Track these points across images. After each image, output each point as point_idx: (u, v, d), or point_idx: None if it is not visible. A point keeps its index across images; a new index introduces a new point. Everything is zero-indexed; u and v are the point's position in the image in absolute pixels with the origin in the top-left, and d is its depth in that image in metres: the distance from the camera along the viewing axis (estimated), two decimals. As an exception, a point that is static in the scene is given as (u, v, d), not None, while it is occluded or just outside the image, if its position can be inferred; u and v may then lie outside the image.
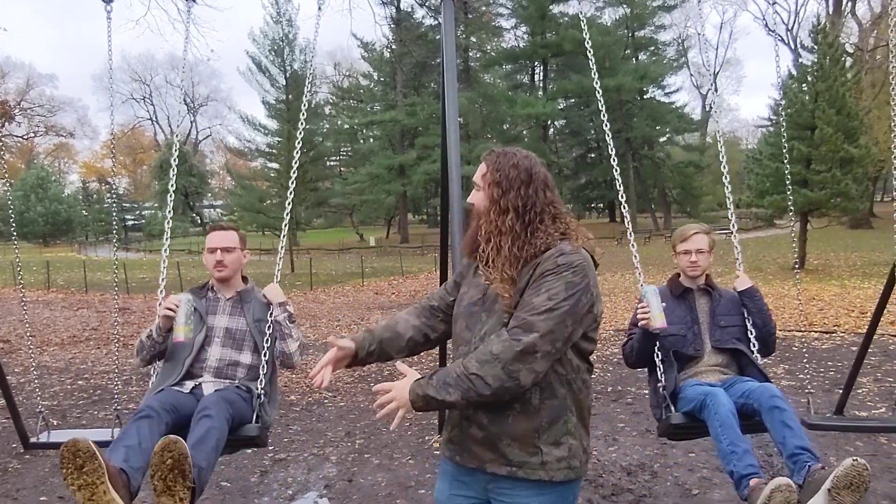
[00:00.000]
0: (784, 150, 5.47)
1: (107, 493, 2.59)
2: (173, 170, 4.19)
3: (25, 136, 79.13)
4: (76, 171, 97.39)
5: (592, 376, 2.45)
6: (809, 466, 3.20)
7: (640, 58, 59.84)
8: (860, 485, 2.80)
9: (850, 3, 48.38)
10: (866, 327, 4.92)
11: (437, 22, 47.89)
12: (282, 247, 4.07)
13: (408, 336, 2.68)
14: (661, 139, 60.24)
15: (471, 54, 58.05)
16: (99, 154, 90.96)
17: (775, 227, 44.07)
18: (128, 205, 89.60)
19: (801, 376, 8.50)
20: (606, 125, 4.20)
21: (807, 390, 4.86)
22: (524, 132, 58.00)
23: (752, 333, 4.00)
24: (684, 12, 61.96)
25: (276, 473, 5.86)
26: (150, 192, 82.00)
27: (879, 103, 34.41)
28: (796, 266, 5.39)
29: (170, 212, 4.15)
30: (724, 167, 4.37)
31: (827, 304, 15.30)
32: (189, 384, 3.60)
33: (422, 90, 56.49)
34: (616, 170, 4.13)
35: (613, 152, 4.08)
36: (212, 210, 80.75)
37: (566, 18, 54.88)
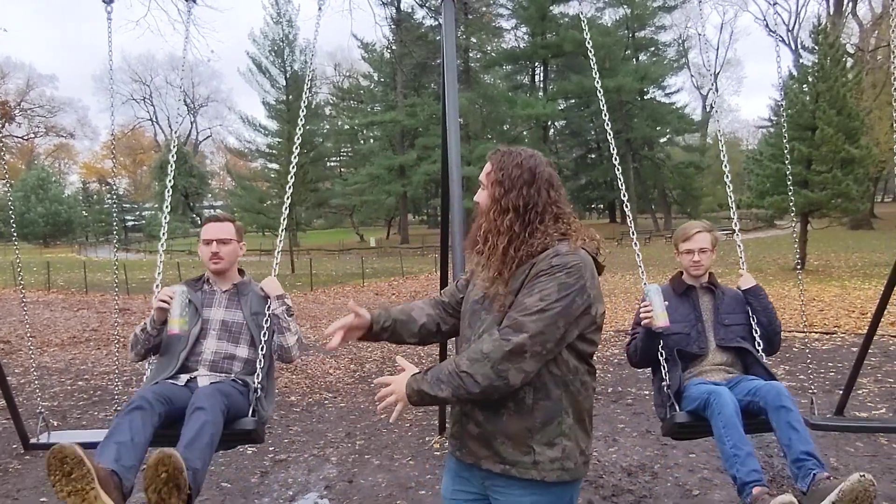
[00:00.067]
0: (785, 151, 5.47)
1: (98, 499, 2.54)
2: (171, 165, 4.19)
3: (26, 137, 79.15)
4: (76, 171, 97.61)
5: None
6: (815, 475, 3.19)
7: (640, 58, 59.83)
8: (865, 500, 2.78)
9: (850, 4, 48.38)
10: (867, 328, 4.92)
11: (437, 22, 47.88)
12: (280, 240, 4.03)
13: (421, 322, 2.70)
14: (662, 140, 60.23)
15: (471, 55, 58.07)
16: (99, 155, 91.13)
17: (775, 228, 44.06)
18: (128, 205, 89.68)
19: (802, 377, 8.49)
20: (608, 125, 4.20)
21: (810, 391, 4.85)
22: (524, 133, 57.98)
23: (756, 332, 3.99)
24: (685, 13, 62.11)
25: (277, 474, 5.86)
26: (151, 192, 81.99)
27: (880, 104, 34.43)
28: (798, 267, 5.37)
29: (167, 207, 4.12)
30: (726, 167, 4.37)
31: (827, 304, 15.30)
32: (184, 377, 3.55)
33: (422, 91, 56.51)
34: (618, 169, 4.13)
35: (615, 153, 4.08)
36: (212, 211, 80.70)
37: (566, 19, 54.90)
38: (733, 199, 4.43)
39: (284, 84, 42.53)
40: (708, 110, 68.47)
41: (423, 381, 2.24)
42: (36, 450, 5.13)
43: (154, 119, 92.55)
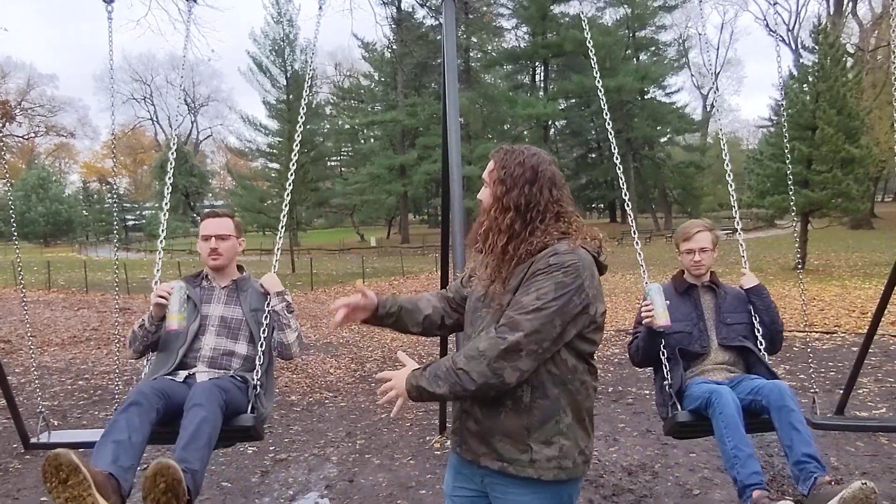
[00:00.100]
0: (785, 151, 5.47)
1: None
2: (171, 163, 4.19)
3: (26, 137, 79.11)
4: (77, 171, 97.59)
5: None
6: (816, 478, 3.19)
7: (640, 58, 59.79)
8: None
9: (850, 4, 48.35)
10: (867, 328, 4.92)
11: (437, 22, 47.91)
12: (279, 239, 4.03)
13: (426, 313, 2.73)
14: (662, 139, 60.18)
15: (472, 54, 58.03)
16: (99, 154, 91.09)
17: (776, 228, 44.02)
18: (128, 205, 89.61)
19: (802, 377, 8.49)
20: (609, 125, 4.19)
21: (812, 390, 4.85)
22: (525, 132, 57.96)
23: (759, 331, 3.98)
24: (685, 12, 62.14)
25: (277, 474, 5.86)
26: (151, 192, 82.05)
27: (880, 103, 34.41)
28: (798, 266, 5.37)
29: (166, 204, 4.12)
30: (728, 166, 4.36)
31: (828, 304, 15.29)
32: (182, 374, 3.52)
33: (422, 90, 56.48)
34: (619, 169, 4.13)
35: (616, 152, 4.08)
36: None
37: (567, 19, 54.87)
38: (735, 196, 4.43)
39: (285, 83, 42.53)
40: (708, 110, 68.51)
41: (422, 377, 2.26)
42: (36, 449, 5.13)
43: (154, 118, 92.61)
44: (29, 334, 5.04)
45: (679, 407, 3.76)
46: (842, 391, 5.16)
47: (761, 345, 3.97)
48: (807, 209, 22.87)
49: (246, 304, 3.76)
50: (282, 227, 4.04)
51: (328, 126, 58.45)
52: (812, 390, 4.85)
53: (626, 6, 57.20)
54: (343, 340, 13.64)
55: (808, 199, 22.12)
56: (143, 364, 3.80)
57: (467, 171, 39.95)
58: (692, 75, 72.48)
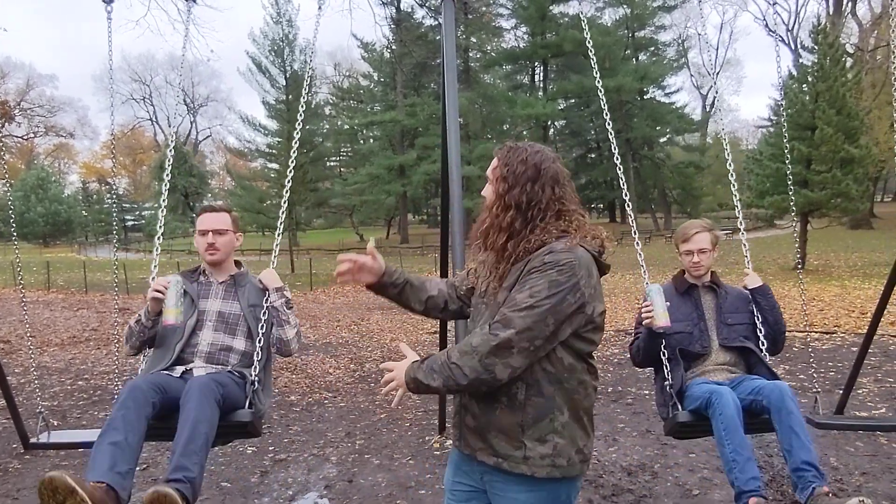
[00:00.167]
0: (785, 151, 5.47)
1: None
2: (169, 160, 4.19)
3: (25, 137, 79.08)
4: (76, 171, 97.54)
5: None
6: (814, 488, 3.23)
7: (640, 58, 59.78)
8: None
9: (850, 4, 48.35)
10: (867, 328, 4.92)
11: (437, 22, 47.86)
12: (277, 238, 4.02)
13: (431, 293, 2.78)
14: (662, 139, 60.16)
15: (471, 55, 57.98)
16: (99, 154, 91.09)
17: (775, 228, 44.07)
18: (128, 205, 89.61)
19: (802, 377, 8.50)
20: (609, 125, 4.19)
21: (814, 390, 4.85)
22: (524, 133, 57.89)
23: (761, 332, 3.98)
24: (684, 12, 62.08)
25: (277, 474, 5.86)
26: (150, 192, 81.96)
27: (880, 103, 34.41)
28: (798, 266, 5.37)
29: (164, 201, 4.12)
30: (730, 166, 4.37)
31: (827, 304, 15.30)
32: (179, 369, 3.51)
33: (422, 90, 56.42)
34: (619, 169, 4.13)
35: (616, 152, 4.08)
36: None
37: (566, 19, 54.81)
38: (738, 196, 4.43)
39: (284, 84, 42.51)
40: (708, 110, 68.57)
41: (419, 369, 2.28)
42: (36, 449, 5.14)
43: (154, 119, 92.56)
44: (28, 334, 5.04)
45: (679, 407, 3.76)
46: (841, 391, 5.17)
47: (763, 345, 3.97)
48: (806, 209, 22.89)
49: (244, 300, 3.74)
50: (280, 227, 4.03)
51: (327, 126, 58.35)
52: (814, 390, 4.86)
53: (625, 6, 57.19)
54: (342, 341, 13.65)
55: (808, 200, 22.14)
56: (141, 361, 3.77)
57: (467, 172, 39.92)
58: (691, 75, 72.56)
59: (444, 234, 6.05)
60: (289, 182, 4.02)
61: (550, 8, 54.57)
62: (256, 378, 3.51)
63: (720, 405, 3.49)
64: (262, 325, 3.61)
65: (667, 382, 3.84)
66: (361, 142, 67.28)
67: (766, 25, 55.17)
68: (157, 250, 4.01)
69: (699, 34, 65.53)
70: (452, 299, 2.79)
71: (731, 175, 4.39)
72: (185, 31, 4.39)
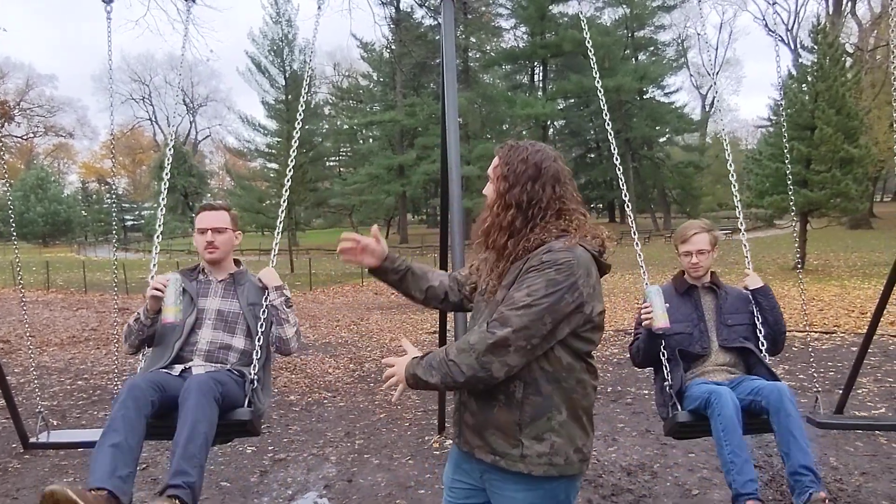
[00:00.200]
0: (784, 151, 5.47)
1: None
2: (168, 158, 4.19)
3: (25, 137, 79.15)
4: (75, 171, 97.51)
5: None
6: (811, 494, 3.27)
7: (639, 58, 59.81)
8: None
9: (849, 3, 48.36)
10: (866, 328, 4.92)
11: (436, 22, 47.87)
12: (277, 237, 4.02)
13: (432, 283, 2.83)
14: (661, 139, 60.20)
15: (470, 54, 57.98)
16: (98, 154, 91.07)
17: (775, 228, 44.07)
18: (127, 205, 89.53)
19: (802, 377, 8.50)
20: (608, 125, 4.19)
21: (814, 389, 4.86)
22: (524, 132, 57.87)
23: (761, 332, 3.98)
24: (684, 12, 62.10)
25: (276, 473, 5.86)
26: (150, 192, 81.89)
27: (879, 103, 34.43)
28: (798, 266, 5.37)
29: (163, 199, 4.12)
30: (731, 166, 4.37)
31: (827, 304, 15.31)
32: (178, 368, 3.50)
33: (421, 90, 56.41)
34: (619, 169, 4.13)
35: (615, 152, 4.08)
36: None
37: (566, 19, 54.84)
38: (738, 197, 4.43)
39: (283, 84, 42.57)
40: (707, 110, 68.57)
41: (419, 366, 2.30)
42: (35, 449, 5.13)
43: (153, 119, 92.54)
44: (28, 334, 5.03)
45: (679, 407, 3.77)
46: (841, 391, 5.17)
47: (762, 345, 3.97)
48: (806, 209, 22.89)
49: (243, 298, 3.74)
50: (279, 227, 4.03)
51: (327, 126, 58.37)
52: (815, 389, 4.86)
53: (624, 6, 57.21)
54: (342, 340, 13.65)
55: (807, 199, 22.14)
56: (140, 359, 3.77)
57: (466, 171, 39.91)
58: (691, 75, 72.60)
59: (444, 233, 6.05)
60: (288, 182, 4.01)
61: (550, 8, 54.59)
62: (256, 377, 3.51)
63: (719, 405, 3.50)
64: (262, 324, 3.60)
65: (666, 383, 3.85)
66: (361, 142, 67.26)
67: (766, 25, 55.19)
68: (156, 249, 4.01)
69: (699, 34, 65.59)
70: (453, 291, 2.82)
71: (732, 176, 4.39)
72: (185, 30, 4.40)
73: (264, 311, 3.64)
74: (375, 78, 64.43)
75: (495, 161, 2.47)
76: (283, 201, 4.01)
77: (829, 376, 8.53)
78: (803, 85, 23.85)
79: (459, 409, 2.46)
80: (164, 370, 3.46)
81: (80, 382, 9.76)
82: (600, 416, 7.11)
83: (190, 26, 4.47)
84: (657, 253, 31.54)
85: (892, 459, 5.55)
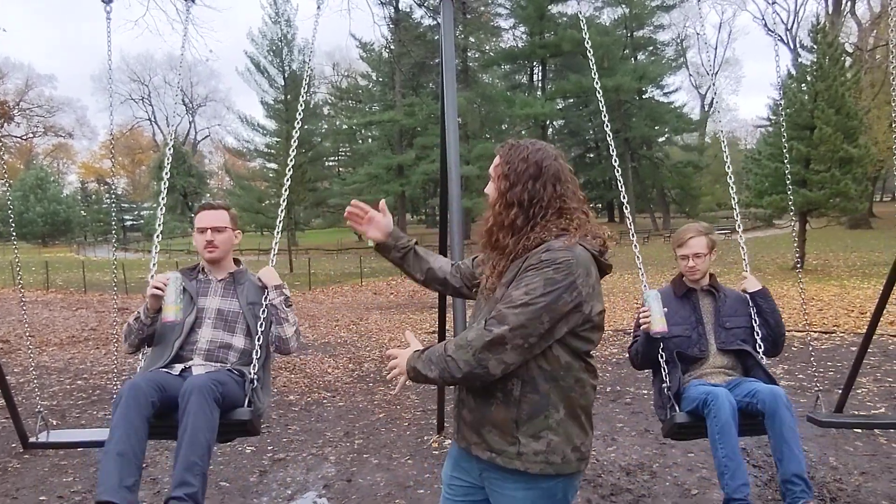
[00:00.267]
0: (783, 150, 5.47)
1: None
2: (168, 158, 4.19)
3: (24, 137, 79.19)
4: (75, 171, 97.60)
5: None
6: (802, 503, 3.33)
7: (638, 58, 59.78)
8: None
9: (849, 3, 48.38)
10: (866, 327, 4.92)
11: (435, 22, 47.81)
12: (276, 237, 4.02)
13: (433, 266, 2.93)
14: (660, 139, 60.20)
15: (469, 54, 57.89)
16: (98, 154, 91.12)
17: (774, 228, 44.13)
18: (126, 205, 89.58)
19: (801, 376, 8.51)
20: (607, 125, 4.19)
21: (815, 388, 4.86)
22: (523, 132, 57.86)
23: (758, 335, 4.01)
24: (683, 12, 62.07)
25: (275, 473, 5.86)
26: (149, 192, 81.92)
27: (879, 103, 34.46)
28: (797, 266, 5.37)
29: (163, 199, 4.11)
30: (729, 168, 4.36)
31: (826, 304, 15.31)
32: (178, 367, 3.51)
33: (420, 90, 56.35)
34: (618, 171, 4.13)
35: (614, 152, 4.08)
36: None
37: (565, 18, 54.80)
38: (736, 200, 4.43)
39: (283, 84, 42.63)
40: (706, 110, 68.57)
41: (419, 359, 2.31)
42: (35, 449, 5.13)
43: (153, 119, 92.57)
44: (27, 334, 5.03)
45: (677, 409, 3.80)
46: (841, 391, 5.17)
47: (760, 348, 3.99)
48: (805, 209, 22.91)
49: (243, 297, 3.74)
50: (279, 227, 4.03)
51: (326, 126, 58.36)
52: (816, 389, 4.87)
53: (623, 6, 57.17)
54: (341, 340, 13.65)
55: (807, 199, 22.15)
56: (140, 359, 3.77)
57: (465, 171, 39.88)
58: (690, 75, 72.62)
59: (443, 233, 6.04)
60: (288, 182, 4.01)
61: (549, 8, 54.54)
62: (255, 376, 3.51)
63: (716, 407, 3.54)
64: (261, 323, 3.60)
65: (665, 385, 3.87)
66: (360, 141, 67.21)
67: (765, 25, 55.33)
68: (155, 249, 4.01)
69: (698, 34, 65.54)
70: (454, 277, 2.89)
71: (730, 178, 4.39)
72: (184, 31, 4.39)
73: (264, 310, 3.64)
74: (374, 78, 64.37)
75: (496, 160, 2.48)
76: (283, 201, 4.01)
77: (829, 376, 8.53)
78: (803, 84, 23.85)
79: (458, 406, 2.47)
80: (163, 369, 3.46)
81: (79, 382, 9.76)
82: (599, 416, 7.12)
83: (189, 26, 4.47)
84: (656, 253, 31.57)
85: (892, 459, 5.55)
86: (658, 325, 3.66)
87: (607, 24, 57.91)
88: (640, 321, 3.81)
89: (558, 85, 57.29)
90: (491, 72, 60.28)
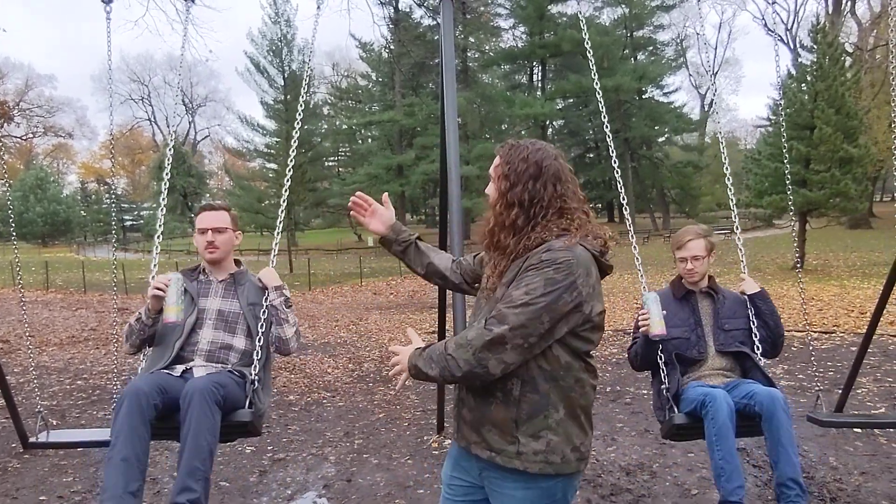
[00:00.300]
0: (783, 150, 5.47)
1: None
2: (168, 158, 4.19)
3: (24, 137, 79.24)
4: (75, 171, 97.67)
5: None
6: None
7: (638, 58, 59.85)
8: None
9: (849, 3, 48.42)
10: (866, 327, 4.92)
11: (435, 22, 47.83)
12: (276, 238, 4.01)
13: (433, 261, 2.97)
14: (660, 139, 60.27)
15: (469, 54, 57.92)
16: (97, 154, 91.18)
17: (774, 228, 44.11)
18: (126, 205, 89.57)
19: (801, 376, 8.51)
20: (607, 125, 4.20)
21: (816, 388, 4.87)
22: (523, 132, 57.91)
23: (756, 336, 4.05)
24: (683, 12, 62.08)
25: (275, 473, 5.85)
26: (149, 192, 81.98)
27: (879, 103, 34.47)
28: (797, 266, 5.37)
29: (164, 200, 4.11)
30: (727, 169, 4.37)
31: (826, 304, 15.31)
32: (179, 368, 3.52)
33: (420, 90, 56.38)
34: (617, 172, 4.13)
35: (614, 152, 4.08)
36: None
37: (564, 18, 54.88)
38: (734, 202, 4.44)
39: (282, 84, 42.64)
40: (706, 109, 68.57)
41: (420, 357, 2.31)
42: (35, 449, 5.12)
43: (152, 119, 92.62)
44: (27, 334, 5.02)
45: (676, 410, 3.82)
46: (841, 391, 5.17)
47: (758, 349, 4.02)
48: (805, 209, 22.92)
49: (243, 298, 3.75)
50: (279, 227, 4.03)
51: (326, 126, 58.40)
52: (816, 388, 4.87)
53: (623, 6, 57.23)
54: (341, 340, 13.65)
55: (807, 199, 22.16)
56: (140, 359, 3.78)
57: (465, 171, 39.88)
58: (690, 75, 72.65)
59: (443, 233, 6.04)
60: (288, 182, 4.01)
61: (549, 7, 54.60)
62: (256, 377, 3.52)
63: (713, 409, 3.58)
64: (262, 324, 3.61)
65: (663, 386, 3.90)
66: (360, 142, 67.23)
67: (765, 25, 55.38)
68: (156, 250, 4.01)
69: (697, 33, 65.57)
70: (454, 273, 2.93)
71: (728, 179, 4.39)
72: (184, 31, 4.39)
73: (264, 311, 3.65)
74: (374, 78, 64.41)
75: (496, 161, 2.48)
76: (283, 202, 4.01)
77: (829, 376, 8.52)
78: (802, 84, 23.86)
79: (457, 405, 2.48)
80: (164, 371, 3.47)
81: (79, 382, 9.76)
82: (599, 416, 7.11)
83: (189, 26, 4.47)
84: (656, 253, 31.56)
85: (892, 459, 5.55)
86: (657, 327, 3.69)
87: (607, 24, 57.99)
88: (640, 323, 3.83)
89: (558, 85, 57.33)
90: (491, 72, 60.33)
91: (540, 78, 60.81)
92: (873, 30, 42.17)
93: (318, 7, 4.54)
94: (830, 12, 43.63)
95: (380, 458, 6.20)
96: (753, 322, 4.05)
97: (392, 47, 49.55)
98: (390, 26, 46.63)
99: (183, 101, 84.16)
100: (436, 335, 8.47)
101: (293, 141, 4.13)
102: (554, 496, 2.34)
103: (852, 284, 19.07)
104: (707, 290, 4.17)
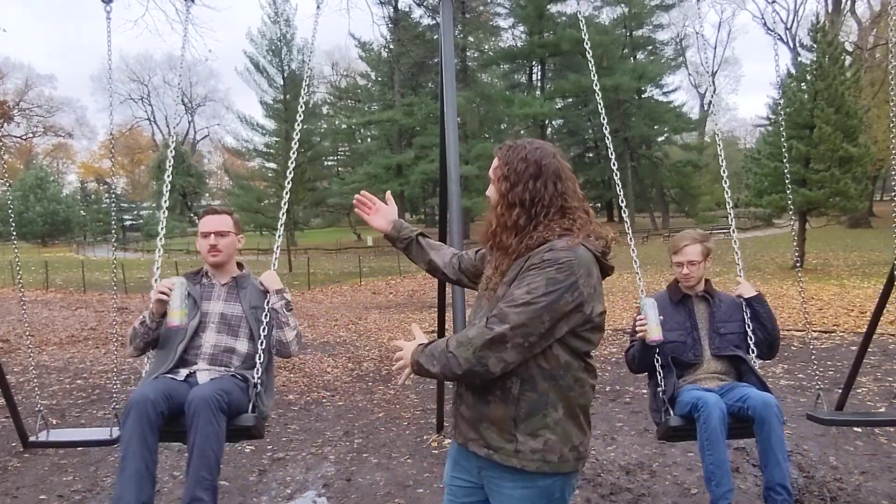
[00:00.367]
0: (783, 150, 5.47)
1: None
2: (169, 160, 4.19)
3: (24, 137, 79.20)
4: (74, 171, 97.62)
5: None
6: None
7: (637, 57, 59.89)
8: None
9: (849, 2, 48.43)
10: (866, 327, 4.92)
11: (434, 22, 47.88)
12: (278, 238, 4.02)
13: (433, 257, 3.04)
14: (659, 139, 60.29)
15: (468, 54, 57.96)
16: (97, 154, 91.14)
17: (773, 227, 44.12)
18: (126, 205, 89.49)
19: (801, 376, 8.50)
20: (605, 126, 4.20)
21: (816, 387, 4.87)
22: (522, 132, 57.96)
23: (752, 339, 4.09)
24: (682, 11, 62.14)
25: (275, 473, 5.85)
26: (148, 192, 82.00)
27: (878, 102, 34.45)
28: (797, 266, 5.37)
29: (165, 202, 4.11)
30: (724, 172, 4.38)
31: (826, 303, 15.30)
32: (183, 372, 3.54)
33: (419, 90, 56.41)
34: (616, 173, 4.13)
35: (613, 154, 4.08)
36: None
37: (564, 18, 54.92)
38: (731, 203, 4.45)
39: (282, 83, 42.61)
40: (706, 109, 68.58)
41: (422, 353, 2.33)
42: (35, 448, 5.13)
43: (152, 119, 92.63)
44: (27, 334, 5.03)
45: (671, 412, 3.86)
46: (841, 390, 5.17)
47: (753, 352, 4.05)
48: (805, 208, 22.91)
49: (246, 302, 3.77)
50: (280, 228, 4.03)
51: (325, 126, 58.34)
52: (817, 387, 4.87)
53: (623, 5, 57.28)
54: (340, 340, 13.65)
55: (806, 198, 22.15)
56: (144, 362, 3.81)
57: (465, 171, 39.89)
58: (689, 74, 72.74)
59: (442, 233, 6.04)
60: (288, 183, 4.02)
61: (548, 7, 54.65)
62: (259, 380, 3.57)
63: (706, 414, 3.65)
64: (264, 328, 3.63)
65: (660, 389, 3.96)
66: (359, 141, 67.27)
67: (765, 24, 55.44)
68: (158, 252, 4.01)
69: (697, 33, 65.51)
70: (455, 267, 2.98)
71: (725, 182, 4.40)
72: (184, 31, 4.40)
73: (266, 314, 3.67)
74: (374, 77, 64.44)
75: (495, 162, 2.48)
76: (284, 203, 4.01)
77: (829, 375, 8.52)
78: (802, 84, 23.84)
79: (456, 402, 2.48)
80: (168, 375, 3.49)
81: (79, 381, 9.76)
82: (599, 416, 7.12)
83: (189, 26, 4.47)
84: (655, 252, 31.52)
85: (892, 459, 5.55)
86: (654, 333, 3.73)
87: (606, 24, 58.04)
88: (637, 329, 3.87)
89: (557, 84, 57.35)
90: (490, 71, 60.36)
91: (539, 77, 60.85)
92: (873, 29, 42.18)
93: (318, 7, 4.54)
94: (830, 11, 43.65)
95: (379, 457, 6.20)
96: (749, 325, 4.09)
97: (391, 47, 49.60)
98: (390, 26, 46.69)
99: (182, 100, 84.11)
100: (435, 335, 8.45)
101: (294, 142, 4.13)
102: (552, 495, 2.34)
103: (852, 284, 19.07)
104: (703, 293, 4.21)
